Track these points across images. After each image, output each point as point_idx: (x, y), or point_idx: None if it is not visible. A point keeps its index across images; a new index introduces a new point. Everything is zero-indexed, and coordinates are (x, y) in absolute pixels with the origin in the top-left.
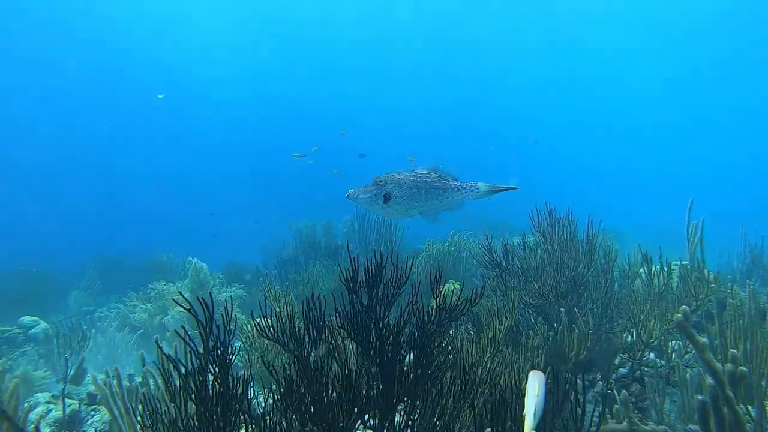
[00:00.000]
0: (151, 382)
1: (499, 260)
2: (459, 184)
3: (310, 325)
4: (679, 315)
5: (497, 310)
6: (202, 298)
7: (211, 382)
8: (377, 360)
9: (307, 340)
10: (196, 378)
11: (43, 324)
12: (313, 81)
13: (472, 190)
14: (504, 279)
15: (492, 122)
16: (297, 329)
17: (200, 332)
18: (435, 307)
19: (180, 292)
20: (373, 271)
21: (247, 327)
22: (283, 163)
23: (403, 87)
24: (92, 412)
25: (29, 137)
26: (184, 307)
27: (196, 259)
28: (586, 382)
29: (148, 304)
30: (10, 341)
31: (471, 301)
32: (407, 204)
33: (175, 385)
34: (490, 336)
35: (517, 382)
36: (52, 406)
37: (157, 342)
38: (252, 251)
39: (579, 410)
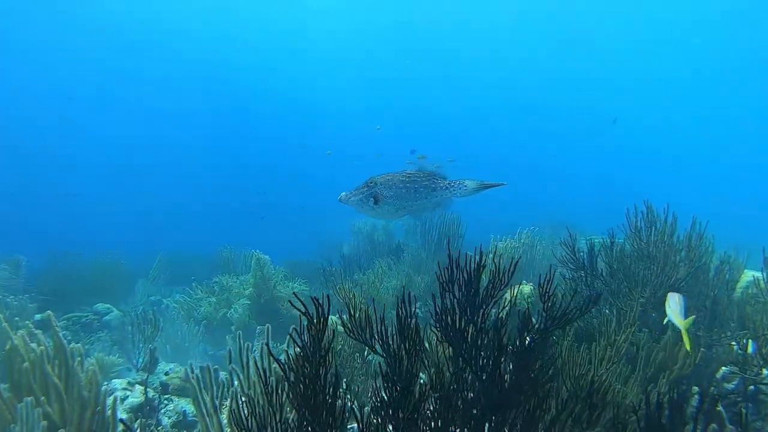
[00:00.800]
0: (234, 380)
1: (583, 261)
2: (447, 182)
3: (401, 326)
4: None
5: (615, 320)
6: (315, 298)
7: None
8: (473, 366)
9: (396, 341)
10: (306, 382)
11: (116, 311)
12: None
13: (459, 188)
14: (589, 283)
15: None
16: (385, 329)
17: (311, 332)
18: (542, 312)
19: (296, 294)
20: (473, 269)
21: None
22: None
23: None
24: (165, 401)
25: (116, 138)
26: (299, 309)
27: (258, 251)
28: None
29: (213, 297)
30: (86, 327)
31: (582, 308)
32: (396, 204)
33: (272, 387)
34: (604, 347)
35: (649, 405)
36: (128, 392)
37: (267, 345)
38: (309, 248)
39: None
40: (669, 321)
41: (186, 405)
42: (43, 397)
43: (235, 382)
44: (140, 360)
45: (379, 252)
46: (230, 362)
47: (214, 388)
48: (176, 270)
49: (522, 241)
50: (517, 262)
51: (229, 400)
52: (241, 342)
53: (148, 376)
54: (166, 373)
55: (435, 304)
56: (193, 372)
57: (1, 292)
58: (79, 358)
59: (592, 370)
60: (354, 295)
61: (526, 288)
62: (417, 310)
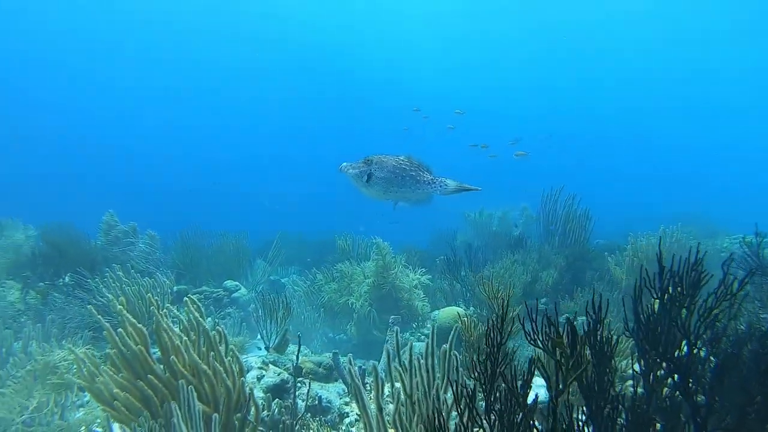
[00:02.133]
0: (397, 384)
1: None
2: (431, 177)
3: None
4: None
5: None
6: (549, 316)
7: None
8: (684, 388)
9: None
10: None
11: (243, 289)
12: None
13: (441, 186)
14: None
15: None
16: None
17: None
18: None
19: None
20: (687, 274)
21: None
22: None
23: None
24: (299, 384)
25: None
26: (523, 327)
27: (379, 238)
28: None
29: (333, 283)
30: (217, 302)
31: None
32: (385, 187)
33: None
34: None
35: None
36: (263, 371)
37: (476, 360)
38: (408, 230)
39: None
40: None
41: (320, 390)
42: (194, 382)
43: (396, 380)
44: (271, 340)
45: (498, 243)
46: (389, 361)
47: (380, 391)
48: (291, 252)
49: (670, 237)
50: (752, 273)
51: (394, 402)
52: (399, 337)
53: (297, 361)
54: (277, 351)
55: (636, 313)
56: (353, 370)
57: (143, 264)
58: (223, 346)
59: None
60: (499, 291)
61: None
62: (542, 306)
